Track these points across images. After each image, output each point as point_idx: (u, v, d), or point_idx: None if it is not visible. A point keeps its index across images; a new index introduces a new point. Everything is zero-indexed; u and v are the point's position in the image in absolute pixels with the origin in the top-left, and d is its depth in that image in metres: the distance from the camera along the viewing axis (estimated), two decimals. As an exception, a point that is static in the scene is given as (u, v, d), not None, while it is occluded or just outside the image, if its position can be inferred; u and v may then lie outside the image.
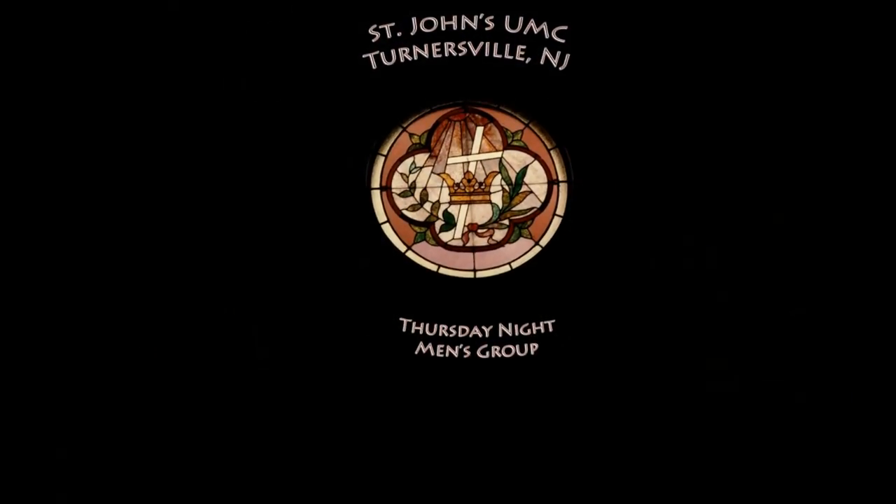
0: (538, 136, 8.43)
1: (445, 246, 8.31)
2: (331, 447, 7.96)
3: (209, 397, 7.99)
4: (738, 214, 8.17)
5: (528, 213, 8.34)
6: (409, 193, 8.37)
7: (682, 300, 8.11)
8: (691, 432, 7.97)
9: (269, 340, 8.08)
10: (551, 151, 8.41)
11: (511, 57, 8.32)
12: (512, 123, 8.44)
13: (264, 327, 8.06)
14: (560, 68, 8.31)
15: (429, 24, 8.34)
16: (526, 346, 8.07)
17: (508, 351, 8.05)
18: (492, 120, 8.44)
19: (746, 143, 8.21)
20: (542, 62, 8.32)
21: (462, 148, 8.39)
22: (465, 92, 8.43)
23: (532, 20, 8.35)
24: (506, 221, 8.32)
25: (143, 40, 8.23)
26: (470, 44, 8.33)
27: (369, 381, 8.04)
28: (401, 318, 8.10)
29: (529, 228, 8.32)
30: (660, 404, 8.02)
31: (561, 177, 8.36)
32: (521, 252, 8.30)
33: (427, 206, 8.36)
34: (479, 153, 8.38)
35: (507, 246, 8.29)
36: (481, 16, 8.34)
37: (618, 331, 8.10)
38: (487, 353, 8.04)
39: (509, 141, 8.41)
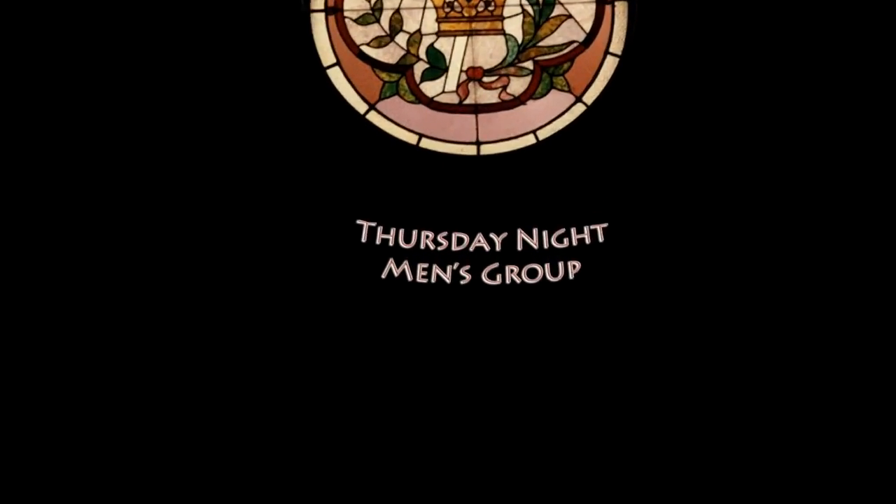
0: None
1: (431, 103, 6.06)
2: (264, 405, 5.99)
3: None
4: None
5: (564, 51, 6.03)
6: (373, 19, 6.03)
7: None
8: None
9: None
10: None
11: None
12: None
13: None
14: None
15: None
16: (560, 265, 5.87)
17: (533, 273, 5.88)
18: None
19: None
20: None
21: None
22: None
23: None
24: (528, 64, 6.03)
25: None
26: None
27: (313, 319, 5.96)
28: (359, 221, 5.88)
29: (566, 75, 6.05)
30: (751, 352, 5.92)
31: None
32: (552, 113, 6.05)
33: (401, 39, 6.04)
34: None
35: (531, 103, 6.06)
36: None
37: (706, 238, 5.87)
38: (499, 276, 5.90)
39: None
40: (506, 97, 5.96)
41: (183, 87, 5.91)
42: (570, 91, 5.97)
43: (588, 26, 5.91)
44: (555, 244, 5.84)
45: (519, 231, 5.84)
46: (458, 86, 5.97)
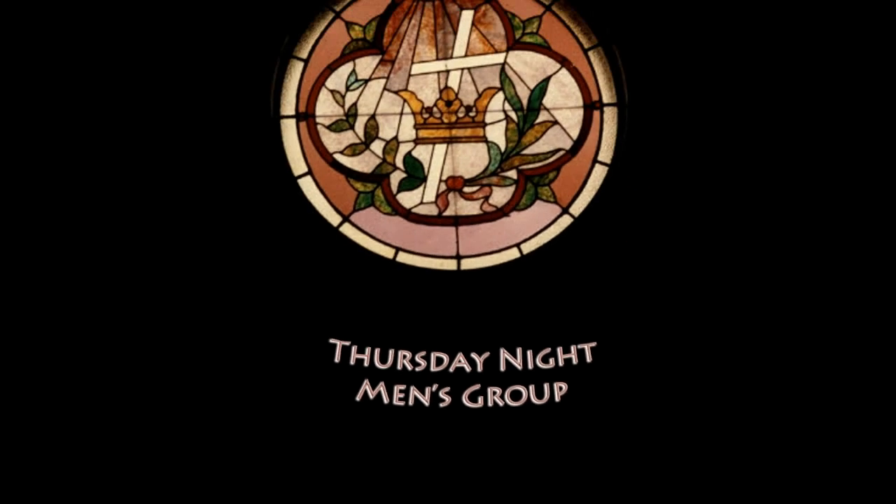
0: (567, 28, 5.94)
1: (409, 215, 5.89)
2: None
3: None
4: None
5: (549, 160, 5.85)
6: (347, 126, 5.77)
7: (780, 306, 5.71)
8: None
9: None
10: (589, 53, 5.86)
11: None
12: (523, 5, 5.92)
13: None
14: (604, -89, 5.80)
15: None
16: (546, 387, 5.64)
17: (516, 395, 5.68)
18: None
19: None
20: None
21: (437, 47, 5.87)
22: (443, -51, 5.90)
23: None
24: (512, 173, 5.86)
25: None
26: None
27: (285, 443, 5.59)
28: (332, 340, 5.54)
29: (552, 185, 5.89)
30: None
31: (605, 97, 5.89)
32: (537, 226, 5.81)
33: (377, 146, 5.80)
34: (465, 56, 5.87)
35: (515, 215, 5.81)
36: None
37: (692, 358, 5.60)
38: (481, 398, 5.63)
39: (518, 35, 5.97)
40: (488, 208, 5.80)
41: (147, 202, 5.60)
42: (556, 202, 5.84)
43: (575, 133, 5.76)
44: (540, 364, 5.58)
45: (502, 351, 5.58)
46: (438, 196, 5.85)
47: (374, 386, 5.59)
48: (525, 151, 5.79)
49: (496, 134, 5.76)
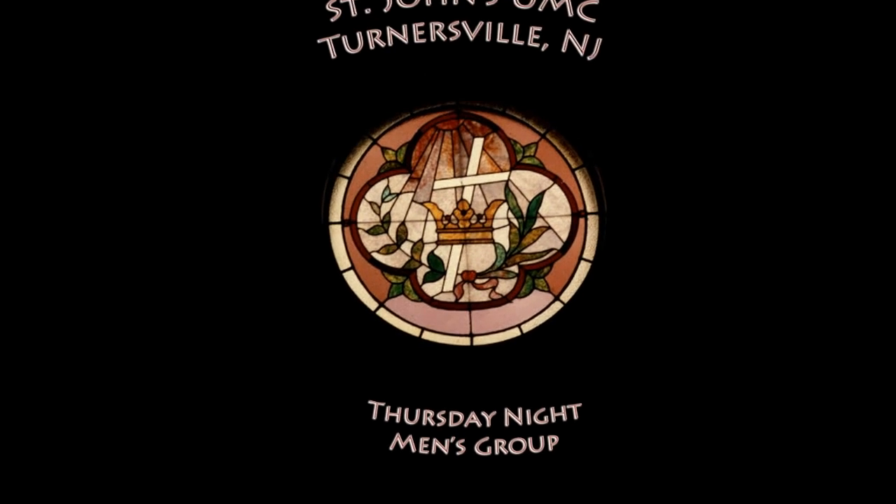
0: (558, 152, 6.63)
1: (431, 302, 6.63)
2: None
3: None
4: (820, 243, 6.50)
5: (544, 257, 6.59)
6: (382, 230, 6.61)
7: (750, 372, 6.43)
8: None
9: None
10: (576, 172, 6.61)
11: (521, 42, 6.49)
12: (523, 133, 6.65)
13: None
14: (588, 58, 6.46)
15: (408, -2, 6.59)
16: (541, 439, 6.40)
17: (518, 446, 6.41)
18: (495, 129, 6.65)
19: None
20: (563, 50, 6.46)
21: (454, 167, 6.63)
22: (459, 91, 6.63)
23: (551, -8, 6.58)
24: (514, 268, 6.61)
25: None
26: (465, 24, 6.51)
27: (329, 486, 6.43)
28: (370, 402, 6.42)
29: (546, 278, 6.60)
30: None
31: (589, 207, 6.60)
32: (535, 310, 6.60)
33: (406, 247, 6.61)
34: (477, 174, 6.63)
35: (517, 302, 6.62)
36: (481, -15, 6.61)
37: (665, 419, 6.41)
38: (489, 448, 6.41)
39: (519, 158, 6.64)
40: (495, 296, 6.53)
41: (222, 292, 6.39)
42: (549, 291, 6.52)
43: (565, 236, 6.50)
44: (536, 421, 6.36)
45: (506, 410, 6.37)
46: (455, 287, 6.53)
47: (403, 438, 6.37)
48: (525, 251, 6.53)
49: (501, 237, 6.50)
